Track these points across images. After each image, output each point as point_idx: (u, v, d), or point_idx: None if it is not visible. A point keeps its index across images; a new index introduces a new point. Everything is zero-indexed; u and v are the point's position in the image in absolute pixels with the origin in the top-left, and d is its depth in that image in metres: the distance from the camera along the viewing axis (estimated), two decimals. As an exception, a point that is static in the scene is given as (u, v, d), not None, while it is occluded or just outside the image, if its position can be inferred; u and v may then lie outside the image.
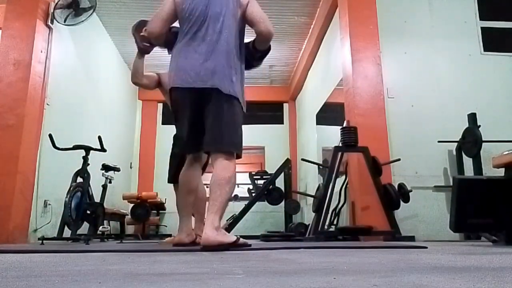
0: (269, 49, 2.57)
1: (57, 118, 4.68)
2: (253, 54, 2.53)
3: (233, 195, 2.37)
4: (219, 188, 2.18)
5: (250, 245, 2.26)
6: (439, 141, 4.28)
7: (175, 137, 3.47)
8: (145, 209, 6.40)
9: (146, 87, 3.36)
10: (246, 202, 6.07)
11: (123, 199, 6.59)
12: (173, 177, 3.28)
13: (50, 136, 3.98)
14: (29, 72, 4.18)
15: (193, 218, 2.89)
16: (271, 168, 6.88)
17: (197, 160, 2.64)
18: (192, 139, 2.43)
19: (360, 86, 4.40)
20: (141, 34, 2.86)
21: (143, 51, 2.99)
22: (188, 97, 2.35)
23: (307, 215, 6.50)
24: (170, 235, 5.55)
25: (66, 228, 3.82)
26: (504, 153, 2.71)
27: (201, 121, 2.35)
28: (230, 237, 2.18)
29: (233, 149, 2.31)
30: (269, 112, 8.89)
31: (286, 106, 9.01)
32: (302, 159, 5.58)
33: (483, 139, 4.04)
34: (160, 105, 8.60)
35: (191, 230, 2.65)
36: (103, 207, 4.42)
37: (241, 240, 2.22)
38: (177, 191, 3.40)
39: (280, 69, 8.06)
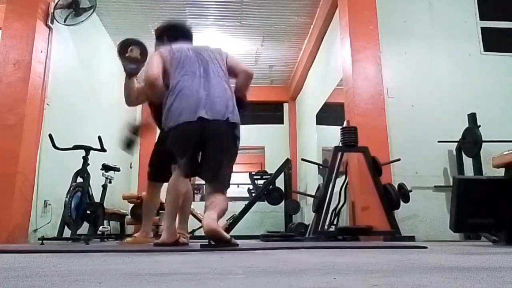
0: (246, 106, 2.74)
1: (57, 118, 4.68)
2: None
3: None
4: (217, 203, 2.35)
5: (237, 245, 2.32)
6: (439, 141, 4.28)
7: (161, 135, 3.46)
8: (145, 209, 6.39)
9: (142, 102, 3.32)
10: (246, 202, 6.07)
11: (123, 199, 6.58)
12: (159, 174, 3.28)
13: (50, 136, 3.98)
14: (29, 72, 4.17)
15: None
16: (271, 168, 6.88)
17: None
18: (190, 167, 2.58)
19: (360, 86, 4.40)
20: (127, 55, 2.84)
21: (131, 73, 2.90)
22: (191, 130, 2.44)
23: (307, 215, 6.50)
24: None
25: (66, 228, 3.83)
26: (504, 153, 2.70)
27: (199, 152, 2.52)
28: (226, 234, 2.31)
29: (226, 189, 2.49)
30: (269, 112, 8.88)
31: (286, 106, 9.00)
32: (302, 159, 5.58)
33: (483, 139, 4.04)
34: (160, 105, 8.59)
35: (175, 230, 2.67)
36: (103, 207, 4.42)
37: (233, 240, 2.33)
38: (151, 189, 3.47)
39: (280, 69, 8.05)
